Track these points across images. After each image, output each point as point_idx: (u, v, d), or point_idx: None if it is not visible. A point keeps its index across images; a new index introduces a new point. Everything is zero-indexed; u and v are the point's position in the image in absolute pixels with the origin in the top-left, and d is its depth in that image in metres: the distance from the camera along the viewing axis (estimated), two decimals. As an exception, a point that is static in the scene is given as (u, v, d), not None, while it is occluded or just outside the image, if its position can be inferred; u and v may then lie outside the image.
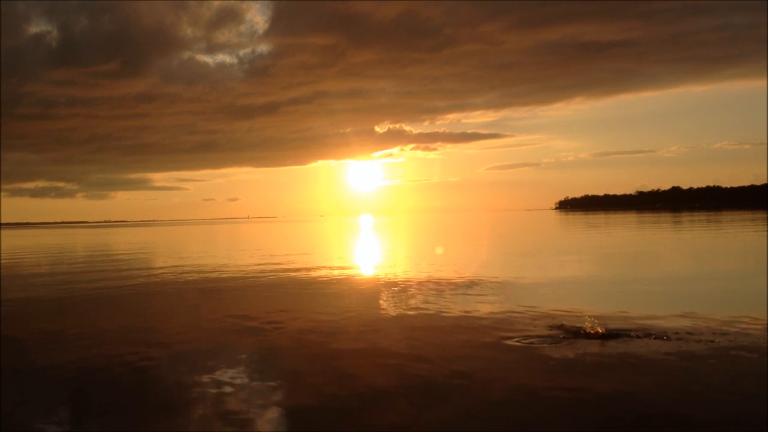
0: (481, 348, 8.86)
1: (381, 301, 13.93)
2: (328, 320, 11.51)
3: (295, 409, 6.48)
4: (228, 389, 7.18)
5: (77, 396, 7.23)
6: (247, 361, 8.58)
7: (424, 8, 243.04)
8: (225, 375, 7.83)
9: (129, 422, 6.32)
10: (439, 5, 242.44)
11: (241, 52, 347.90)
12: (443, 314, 11.75)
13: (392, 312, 12.33)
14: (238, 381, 7.56)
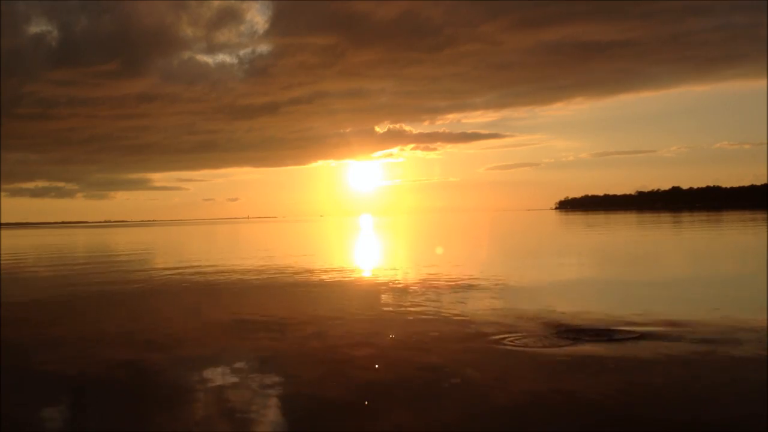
0: (480, 349, 8.85)
1: (381, 302, 13.92)
2: (327, 320, 11.50)
3: (295, 410, 6.48)
4: (228, 389, 7.18)
5: (77, 396, 7.22)
6: (247, 361, 8.57)
7: (424, 8, 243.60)
8: (225, 375, 7.83)
9: (129, 422, 6.31)
10: (439, 5, 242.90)
11: (241, 52, 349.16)
12: (443, 315, 11.74)
13: (392, 312, 12.32)
14: (238, 381, 7.56)
